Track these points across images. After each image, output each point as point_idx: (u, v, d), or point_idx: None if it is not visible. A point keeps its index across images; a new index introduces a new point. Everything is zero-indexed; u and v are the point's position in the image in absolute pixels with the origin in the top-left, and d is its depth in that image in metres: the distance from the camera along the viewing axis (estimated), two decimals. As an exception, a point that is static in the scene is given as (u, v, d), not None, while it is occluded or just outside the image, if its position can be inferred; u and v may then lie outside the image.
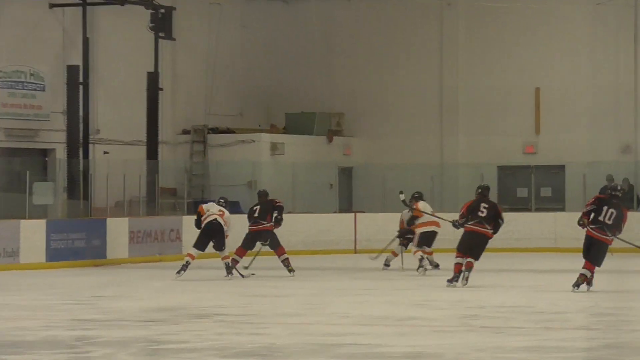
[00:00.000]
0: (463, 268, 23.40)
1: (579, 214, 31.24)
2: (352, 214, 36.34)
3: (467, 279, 23.36)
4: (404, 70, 39.75)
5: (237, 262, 27.93)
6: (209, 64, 37.87)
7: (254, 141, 38.16)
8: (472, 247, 23.73)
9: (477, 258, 23.60)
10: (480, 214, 23.93)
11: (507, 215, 33.91)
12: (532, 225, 34.88)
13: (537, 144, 38.83)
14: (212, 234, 26.97)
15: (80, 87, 33.64)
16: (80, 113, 33.64)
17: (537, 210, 36.68)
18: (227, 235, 27.34)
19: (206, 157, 37.94)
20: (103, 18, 34.98)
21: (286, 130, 39.53)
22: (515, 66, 38.93)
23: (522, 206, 37.25)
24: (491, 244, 30.16)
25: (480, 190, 24.81)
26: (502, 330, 17.33)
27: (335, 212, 37.65)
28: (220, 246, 27.04)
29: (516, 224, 35.14)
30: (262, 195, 28.28)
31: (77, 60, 33.75)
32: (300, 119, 39.70)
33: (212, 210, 27.77)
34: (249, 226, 27.95)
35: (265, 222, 27.27)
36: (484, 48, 39.32)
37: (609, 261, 23.38)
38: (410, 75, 39.69)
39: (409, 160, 38.28)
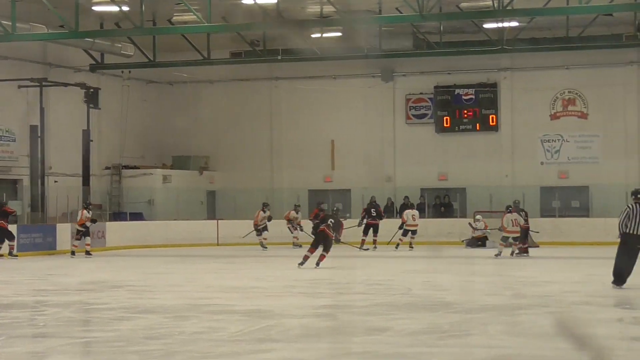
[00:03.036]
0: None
1: (358, 220, 31.55)
2: (215, 221, 36.56)
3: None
4: (248, 128, 39.45)
5: None
6: (122, 124, 37.51)
7: (152, 174, 37.81)
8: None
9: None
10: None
11: (311, 223, 34.54)
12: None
13: (332, 176, 38.81)
14: None
15: (39, 139, 33.32)
16: (39, 156, 33.32)
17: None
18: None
19: (121, 184, 37.38)
20: (53, 94, 34.52)
21: (172, 167, 39.20)
22: (319, 125, 38.79)
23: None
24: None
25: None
26: (311, 295, 17.61)
27: (204, 219, 37.68)
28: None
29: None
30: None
31: (36, 122, 33.45)
32: (181, 160, 39.42)
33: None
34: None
35: None
36: (299, 113, 39.08)
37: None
38: (252, 130, 39.45)
39: (251, 186, 38.17)
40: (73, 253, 29.33)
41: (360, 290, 18.32)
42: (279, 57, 35.28)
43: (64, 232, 31.39)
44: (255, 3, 29.74)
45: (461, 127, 37.51)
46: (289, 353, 10.97)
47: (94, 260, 28.09)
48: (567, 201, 35.79)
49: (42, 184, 33.59)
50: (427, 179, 37.55)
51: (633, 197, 17.59)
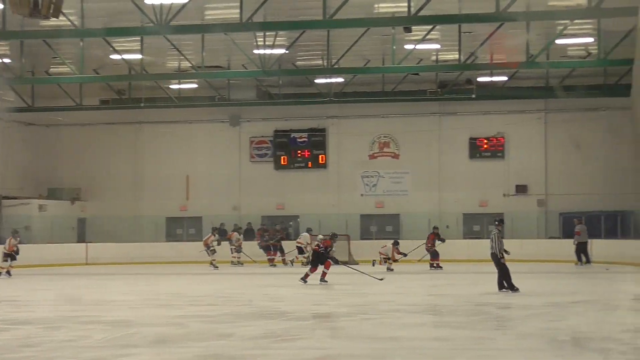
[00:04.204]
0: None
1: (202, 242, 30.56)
2: (85, 244, 35.82)
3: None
4: (115, 164, 38.75)
5: None
6: (4, 160, 36.65)
7: (29, 203, 36.70)
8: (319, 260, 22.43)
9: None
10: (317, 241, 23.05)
11: (168, 245, 34.16)
12: (186, 250, 34.91)
13: (187, 205, 38.48)
14: None
15: None
16: None
17: (190, 239, 36.86)
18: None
19: (1, 212, 36.28)
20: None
21: (48, 197, 38.18)
22: (176, 162, 38.43)
23: (177, 239, 37.49)
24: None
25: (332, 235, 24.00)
26: (167, 306, 17.41)
27: (75, 242, 36.84)
28: None
29: (176, 249, 35.31)
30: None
31: None
32: (56, 191, 38.43)
33: None
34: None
35: None
36: (159, 152, 38.62)
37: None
38: (118, 166, 38.77)
39: (117, 214, 37.75)
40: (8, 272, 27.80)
41: (210, 302, 18.25)
42: (142, 105, 35.03)
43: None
44: (122, 58, 29.44)
45: (296, 165, 37.85)
46: (146, 357, 10.86)
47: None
48: (382, 226, 36.42)
49: None
50: (267, 208, 37.66)
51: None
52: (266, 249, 32.17)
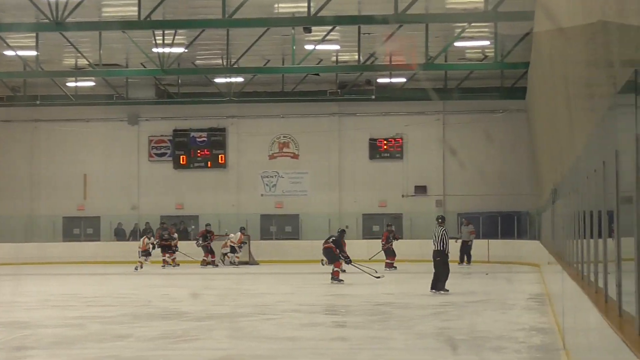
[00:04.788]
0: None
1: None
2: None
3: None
4: (9, 162, 37.58)
5: None
6: None
7: None
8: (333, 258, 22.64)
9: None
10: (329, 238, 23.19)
11: (65, 245, 33.61)
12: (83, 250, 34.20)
13: (85, 204, 37.65)
14: None
15: None
16: None
17: (87, 239, 36.26)
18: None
19: None
20: None
21: None
22: (74, 161, 37.55)
23: (74, 239, 36.83)
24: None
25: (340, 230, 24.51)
26: (64, 307, 17.16)
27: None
28: None
29: (73, 249, 34.74)
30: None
31: None
32: None
33: None
34: None
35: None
36: (56, 150, 37.66)
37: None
38: (13, 165, 37.69)
39: (11, 213, 36.59)
40: None
41: (108, 303, 18.12)
42: (38, 102, 34.36)
43: None
44: (17, 54, 28.82)
45: (195, 164, 37.63)
46: (42, 359, 10.69)
47: None
48: (282, 226, 36.50)
49: None
50: (166, 207, 37.32)
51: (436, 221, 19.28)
52: (164, 248, 31.84)
